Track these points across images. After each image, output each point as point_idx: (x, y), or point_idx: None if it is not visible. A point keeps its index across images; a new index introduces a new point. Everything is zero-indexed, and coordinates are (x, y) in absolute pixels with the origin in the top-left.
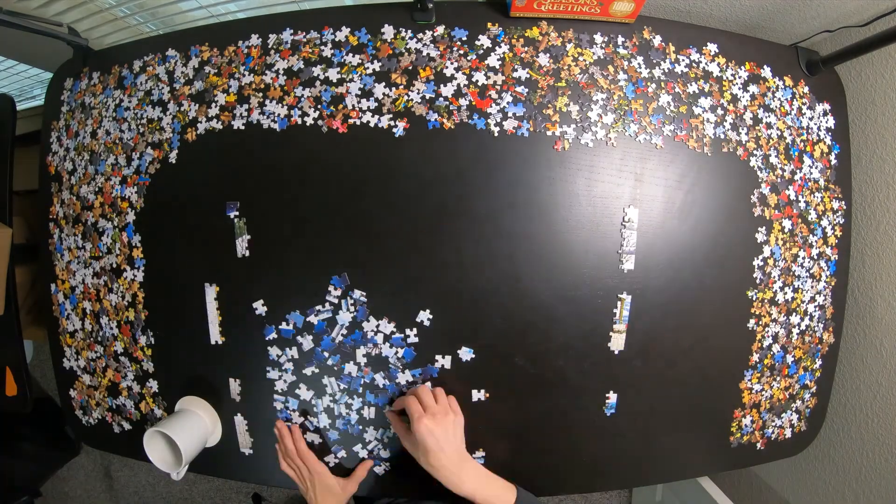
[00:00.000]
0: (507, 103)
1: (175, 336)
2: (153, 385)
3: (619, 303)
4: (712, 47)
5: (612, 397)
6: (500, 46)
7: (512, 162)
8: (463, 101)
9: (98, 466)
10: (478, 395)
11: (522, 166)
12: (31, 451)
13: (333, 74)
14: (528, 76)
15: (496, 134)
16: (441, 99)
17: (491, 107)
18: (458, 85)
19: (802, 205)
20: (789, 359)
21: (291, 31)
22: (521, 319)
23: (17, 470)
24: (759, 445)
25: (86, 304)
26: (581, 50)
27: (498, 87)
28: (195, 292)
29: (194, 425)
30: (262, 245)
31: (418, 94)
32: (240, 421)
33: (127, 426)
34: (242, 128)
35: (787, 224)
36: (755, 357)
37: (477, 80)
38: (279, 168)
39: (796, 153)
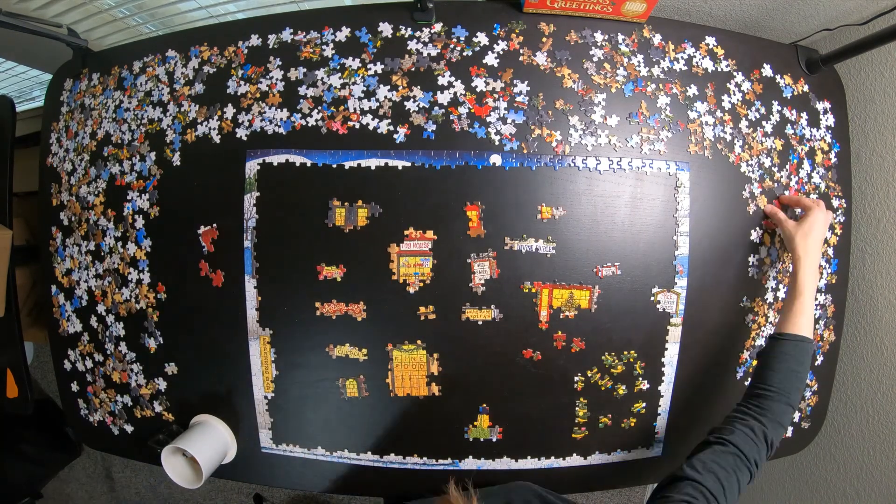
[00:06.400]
0: (507, 109)
1: (181, 337)
2: (160, 386)
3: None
4: (712, 45)
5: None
6: (497, 44)
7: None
8: (462, 109)
9: (99, 468)
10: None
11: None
12: (32, 453)
13: (334, 76)
14: (528, 78)
15: (497, 142)
16: (437, 108)
17: (490, 114)
18: (456, 93)
19: None
20: None
21: (291, 31)
22: (522, 319)
23: (18, 471)
24: None
25: (88, 305)
26: (583, 52)
27: (497, 93)
28: (199, 293)
29: (214, 440)
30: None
31: (415, 103)
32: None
33: (129, 428)
34: (246, 132)
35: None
36: (755, 355)
37: (476, 86)
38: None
39: (796, 152)
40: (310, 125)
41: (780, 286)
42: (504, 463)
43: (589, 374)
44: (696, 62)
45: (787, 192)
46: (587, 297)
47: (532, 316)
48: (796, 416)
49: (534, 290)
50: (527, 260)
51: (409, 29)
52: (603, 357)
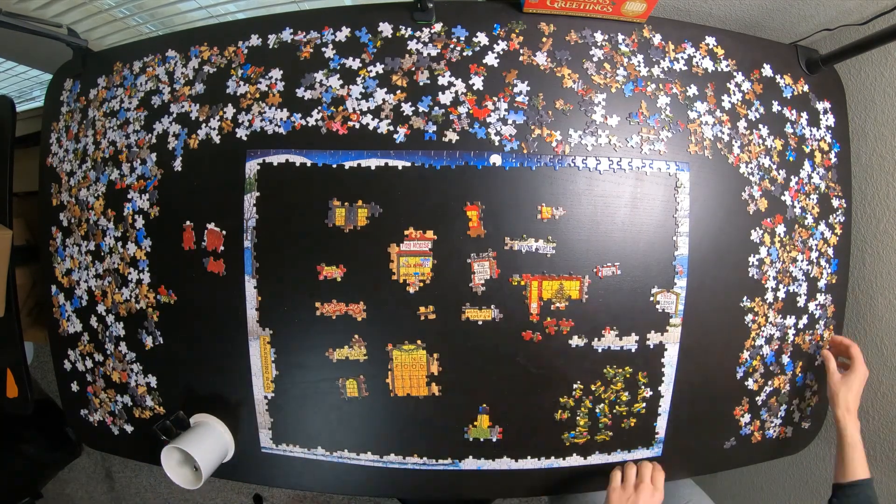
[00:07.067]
0: (507, 109)
1: (181, 337)
2: (154, 385)
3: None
4: (712, 45)
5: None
6: (498, 44)
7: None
8: (462, 109)
9: (99, 468)
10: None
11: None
12: (32, 453)
13: (334, 76)
14: (528, 78)
15: (497, 142)
16: (437, 108)
17: (490, 115)
18: (457, 92)
19: (802, 203)
20: (789, 357)
21: (291, 31)
22: (523, 319)
23: (18, 471)
24: (759, 444)
25: (88, 305)
26: (583, 52)
27: (497, 93)
28: (199, 292)
29: (213, 441)
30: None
31: (415, 103)
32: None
33: (129, 428)
34: (246, 132)
35: (787, 223)
36: (755, 355)
37: (475, 86)
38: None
39: (796, 152)
40: (310, 125)
41: (780, 286)
42: (504, 463)
43: (587, 372)
44: (696, 62)
45: (790, 185)
46: (577, 287)
47: (531, 314)
48: (796, 415)
49: (522, 283)
50: (527, 260)
51: (409, 29)
52: (602, 354)
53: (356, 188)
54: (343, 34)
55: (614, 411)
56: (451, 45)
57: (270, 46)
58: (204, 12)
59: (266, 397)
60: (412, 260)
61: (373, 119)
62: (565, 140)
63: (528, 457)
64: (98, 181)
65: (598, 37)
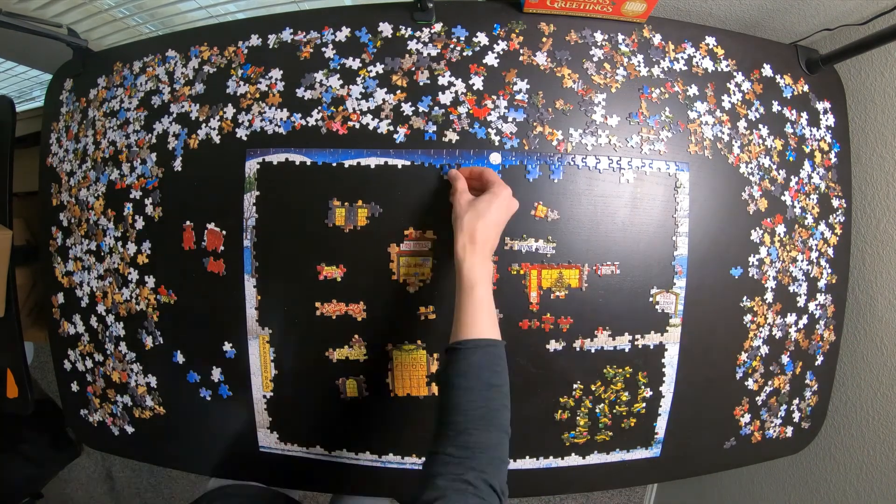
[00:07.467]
0: (507, 107)
1: (180, 336)
2: (154, 385)
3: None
4: (712, 45)
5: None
6: (498, 44)
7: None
8: (462, 109)
9: (100, 468)
10: None
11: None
12: (32, 453)
13: (334, 76)
14: (528, 78)
15: (497, 142)
16: (437, 108)
17: (490, 114)
18: (457, 92)
19: (802, 203)
20: (789, 357)
21: (291, 31)
22: (523, 309)
23: (18, 472)
24: (759, 444)
25: (88, 306)
26: (583, 52)
27: (497, 93)
28: (199, 292)
29: None
30: (264, 250)
31: (415, 103)
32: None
33: (129, 428)
34: (246, 132)
35: (787, 223)
36: (754, 355)
37: (475, 86)
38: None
39: (796, 152)
40: (310, 125)
41: (787, 285)
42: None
43: (588, 372)
44: (696, 62)
45: (790, 185)
46: (577, 276)
47: (531, 315)
48: (796, 415)
49: (522, 272)
50: (526, 260)
51: (409, 29)
52: (602, 354)
53: (356, 188)
54: (343, 34)
55: (614, 411)
56: (451, 45)
57: (270, 46)
58: (204, 12)
59: (265, 396)
60: (412, 260)
61: (373, 119)
62: (566, 139)
63: (527, 457)
64: (98, 181)
65: (598, 37)
